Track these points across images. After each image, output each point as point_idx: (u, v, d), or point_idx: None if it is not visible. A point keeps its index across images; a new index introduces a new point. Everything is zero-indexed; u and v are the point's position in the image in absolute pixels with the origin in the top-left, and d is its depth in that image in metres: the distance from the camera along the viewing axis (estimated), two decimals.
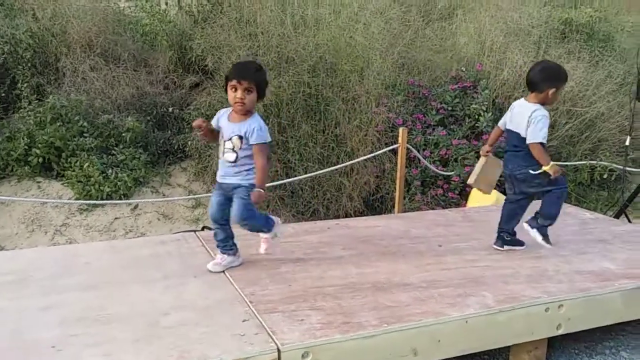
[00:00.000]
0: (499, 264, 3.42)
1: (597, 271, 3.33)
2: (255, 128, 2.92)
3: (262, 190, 2.92)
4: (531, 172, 3.40)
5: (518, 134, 3.40)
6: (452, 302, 2.87)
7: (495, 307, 2.84)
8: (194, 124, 3.05)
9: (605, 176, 4.20)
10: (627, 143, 5.06)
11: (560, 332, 2.99)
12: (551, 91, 3.34)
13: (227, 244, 3.22)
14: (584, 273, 3.30)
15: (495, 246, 3.65)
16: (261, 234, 3.19)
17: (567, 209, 4.70)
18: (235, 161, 2.97)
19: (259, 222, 3.11)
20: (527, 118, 3.32)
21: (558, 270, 3.33)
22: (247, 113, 2.98)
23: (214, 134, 3.09)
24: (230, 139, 2.97)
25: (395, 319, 2.68)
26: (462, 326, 2.74)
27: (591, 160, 5.96)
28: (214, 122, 3.08)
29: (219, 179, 3.06)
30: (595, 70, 6.76)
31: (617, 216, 4.75)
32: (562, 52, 6.85)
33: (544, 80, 3.34)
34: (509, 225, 3.64)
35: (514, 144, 3.46)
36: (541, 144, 3.31)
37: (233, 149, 2.96)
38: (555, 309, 2.94)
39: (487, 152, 3.72)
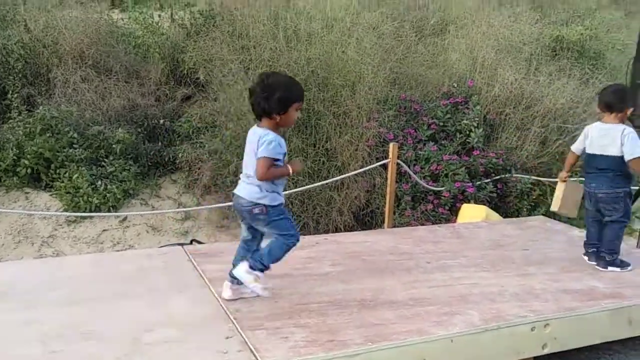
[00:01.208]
0: (487, 282, 3.41)
1: (584, 290, 3.33)
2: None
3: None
4: (617, 191, 3.60)
5: (605, 156, 3.55)
6: (438, 321, 2.86)
7: (481, 325, 2.83)
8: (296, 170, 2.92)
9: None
10: None
11: (546, 351, 2.98)
12: (629, 110, 3.58)
13: None
14: (571, 292, 3.29)
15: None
16: (255, 264, 2.88)
17: (555, 226, 4.72)
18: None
19: (279, 251, 2.90)
20: (619, 138, 3.49)
21: (545, 288, 3.32)
22: None
23: None
24: None
25: (380, 337, 2.66)
26: (448, 345, 2.73)
27: (581, 177, 5.97)
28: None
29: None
30: (585, 88, 6.80)
31: None
32: (553, 70, 6.89)
33: (622, 101, 3.57)
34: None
35: (600, 167, 3.60)
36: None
37: None
38: (541, 328, 2.94)
39: (566, 177, 3.89)
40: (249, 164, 2.82)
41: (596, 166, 3.62)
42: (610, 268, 3.68)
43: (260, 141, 2.72)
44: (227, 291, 3.00)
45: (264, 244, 2.98)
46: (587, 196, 3.76)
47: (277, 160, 2.76)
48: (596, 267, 3.73)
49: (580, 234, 4.54)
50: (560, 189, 3.90)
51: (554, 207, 3.96)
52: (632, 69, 4.73)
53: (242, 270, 2.87)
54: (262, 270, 2.88)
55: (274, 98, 2.70)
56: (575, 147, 3.77)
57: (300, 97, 2.81)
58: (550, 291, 3.29)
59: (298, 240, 2.92)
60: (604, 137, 3.57)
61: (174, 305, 2.94)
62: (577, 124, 6.25)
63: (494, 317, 2.92)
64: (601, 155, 3.58)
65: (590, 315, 3.07)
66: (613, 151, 3.53)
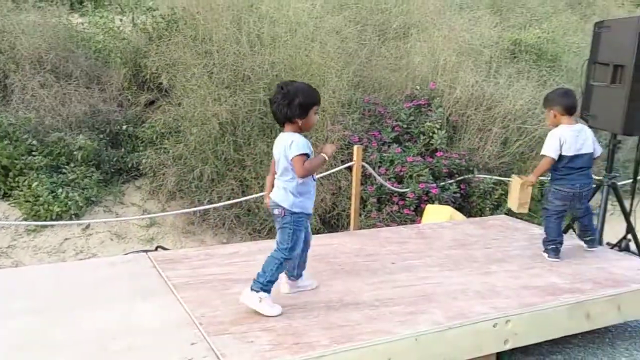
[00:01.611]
0: (450, 281, 3.47)
1: (543, 286, 3.42)
2: None
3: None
4: (593, 184, 4.03)
5: (582, 155, 3.83)
6: (403, 320, 2.90)
7: (444, 324, 2.88)
8: None
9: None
10: None
11: (508, 347, 3.05)
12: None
13: None
14: (531, 288, 3.38)
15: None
16: (254, 284, 2.92)
17: (517, 224, 4.83)
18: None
19: (270, 266, 2.94)
20: (591, 137, 3.88)
21: (506, 285, 3.40)
22: None
23: None
24: None
25: (346, 338, 2.68)
26: (413, 344, 2.77)
27: (541, 176, 6.14)
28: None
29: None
30: (543, 89, 6.97)
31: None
32: (512, 72, 7.07)
33: (576, 102, 3.92)
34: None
35: (583, 166, 3.86)
36: None
37: None
38: (503, 324, 3.01)
39: (533, 182, 3.99)
40: (279, 167, 2.97)
41: (577, 166, 3.85)
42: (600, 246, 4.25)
43: (287, 144, 2.87)
44: (284, 286, 3.19)
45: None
46: (569, 197, 3.89)
47: (308, 155, 2.89)
48: (588, 249, 4.13)
49: (539, 232, 4.66)
50: (516, 189, 3.99)
51: (515, 207, 4.05)
52: (586, 71, 4.88)
53: (245, 293, 2.93)
54: (263, 290, 2.89)
55: (295, 104, 2.87)
56: (554, 154, 3.83)
57: (317, 101, 2.98)
58: (512, 288, 3.37)
59: (289, 258, 2.97)
60: (578, 137, 3.83)
61: (138, 312, 2.90)
62: (536, 125, 6.43)
63: (458, 315, 2.98)
64: (581, 155, 3.84)
65: (549, 310, 3.16)
66: (588, 149, 3.85)
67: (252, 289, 2.90)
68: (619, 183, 4.94)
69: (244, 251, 3.90)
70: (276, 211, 2.96)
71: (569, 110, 3.85)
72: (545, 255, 3.96)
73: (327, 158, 2.98)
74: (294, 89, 2.90)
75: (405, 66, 6.95)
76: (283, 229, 2.95)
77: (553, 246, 3.94)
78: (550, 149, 3.82)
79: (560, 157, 3.82)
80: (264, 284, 2.89)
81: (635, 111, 4.42)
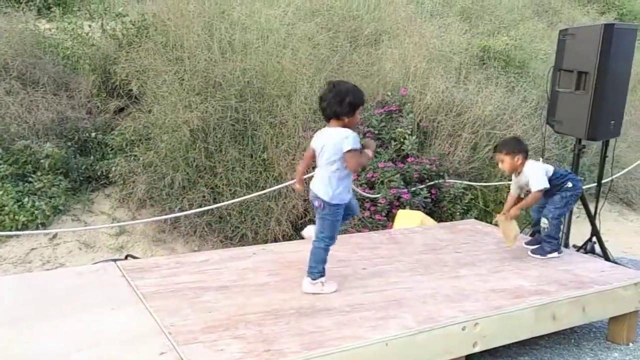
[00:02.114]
0: (421, 285, 3.51)
1: (510, 289, 3.48)
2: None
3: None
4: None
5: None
6: (373, 325, 2.92)
7: (414, 328, 2.91)
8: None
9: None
10: None
11: (477, 349, 3.09)
12: None
13: None
14: (499, 291, 3.44)
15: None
16: (308, 276, 3.33)
17: (485, 228, 4.91)
18: None
19: (318, 256, 3.33)
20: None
21: (475, 289, 3.45)
22: None
23: None
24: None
25: (317, 344, 2.69)
26: (383, 349, 2.79)
27: (509, 181, 6.24)
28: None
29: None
30: (511, 95, 7.12)
31: None
32: (481, 78, 7.19)
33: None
34: None
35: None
36: None
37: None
38: (472, 327, 3.05)
39: (516, 215, 4.18)
40: (322, 157, 3.23)
41: (560, 173, 4.22)
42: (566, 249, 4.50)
43: (342, 137, 3.12)
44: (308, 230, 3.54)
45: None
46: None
47: (358, 150, 3.18)
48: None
49: None
50: (507, 227, 4.11)
51: (511, 243, 4.11)
52: (552, 77, 4.99)
53: (306, 285, 3.32)
54: (322, 275, 3.32)
55: (345, 103, 3.13)
56: (546, 183, 4.09)
57: (363, 102, 3.25)
58: (480, 291, 3.43)
59: (331, 244, 3.36)
60: (540, 162, 4.31)
61: (106, 323, 2.86)
62: (505, 130, 6.54)
63: (427, 319, 3.01)
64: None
65: (516, 312, 3.22)
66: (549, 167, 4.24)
67: (312, 279, 3.30)
68: (584, 187, 5.05)
69: (215, 259, 3.88)
70: (316, 203, 3.28)
71: (526, 154, 4.16)
72: (555, 254, 4.13)
73: (371, 155, 3.31)
74: (345, 89, 3.17)
75: (377, 72, 7.01)
76: (323, 219, 3.28)
77: (557, 242, 4.18)
78: (542, 182, 4.07)
79: (549, 180, 4.11)
80: (321, 271, 3.31)
81: (598, 117, 4.54)
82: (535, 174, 4.07)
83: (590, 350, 3.69)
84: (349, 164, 3.16)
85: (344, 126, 3.19)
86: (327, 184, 3.21)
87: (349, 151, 3.12)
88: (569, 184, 4.16)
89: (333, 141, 3.15)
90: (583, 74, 4.57)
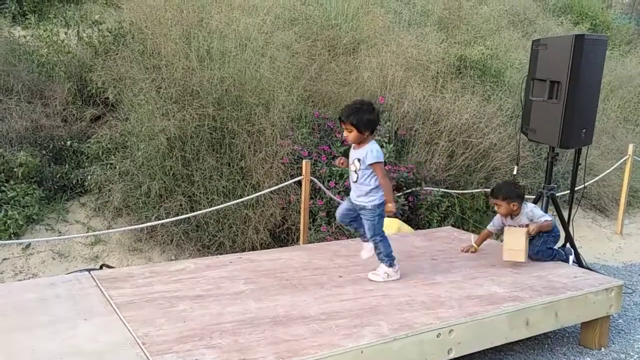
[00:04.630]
0: (396, 292, 3.53)
1: (485, 295, 3.52)
2: (368, 151, 3.59)
3: (390, 204, 3.58)
4: None
5: None
6: (348, 333, 2.93)
7: (389, 335, 2.93)
8: (336, 162, 3.86)
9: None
10: (514, 172, 5.42)
11: (452, 356, 3.12)
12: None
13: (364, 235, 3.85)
14: (474, 298, 3.47)
15: None
16: (381, 264, 3.77)
17: (462, 235, 4.95)
18: (356, 181, 3.68)
19: (385, 247, 3.73)
20: None
21: (450, 296, 3.48)
22: (361, 142, 3.66)
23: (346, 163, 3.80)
24: (352, 162, 3.68)
25: (292, 353, 2.69)
26: (358, 357, 2.79)
27: (486, 188, 6.32)
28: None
29: (351, 198, 3.76)
30: (487, 104, 7.22)
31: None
32: (457, 87, 7.28)
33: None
34: None
35: None
36: None
37: (355, 171, 3.67)
38: (447, 334, 3.07)
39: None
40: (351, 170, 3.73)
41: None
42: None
43: (367, 150, 3.60)
44: (365, 251, 3.86)
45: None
46: None
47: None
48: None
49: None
50: (516, 239, 4.13)
51: (522, 257, 4.09)
52: (525, 86, 5.08)
53: (378, 276, 3.74)
54: (391, 261, 3.74)
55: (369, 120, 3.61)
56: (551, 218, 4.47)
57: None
58: (455, 298, 3.46)
59: (385, 235, 3.78)
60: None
61: (79, 334, 2.82)
62: (481, 138, 6.63)
63: (402, 327, 3.03)
64: None
65: (490, 318, 3.25)
66: None
67: (383, 264, 3.73)
68: (558, 194, 5.14)
69: (191, 268, 3.86)
70: (363, 211, 3.67)
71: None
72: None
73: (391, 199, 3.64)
74: (371, 108, 3.61)
75: (355, 81, 7.06)
76: (372, 221, 3.64)
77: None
78: (547, 215, 4.43)
79: None
80: (390, 257, 3.73)
81: (570, 125, 4.63)
82: (539, 212, 4.39)
83: (563, 355, 3.74)
84: (380, 175, 3.68)
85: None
86: (369, 194, 3.68)
87: (376, 163, 3.65)
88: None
89: (355, 154, 3.74)
90: (555, 83, 4.65)
